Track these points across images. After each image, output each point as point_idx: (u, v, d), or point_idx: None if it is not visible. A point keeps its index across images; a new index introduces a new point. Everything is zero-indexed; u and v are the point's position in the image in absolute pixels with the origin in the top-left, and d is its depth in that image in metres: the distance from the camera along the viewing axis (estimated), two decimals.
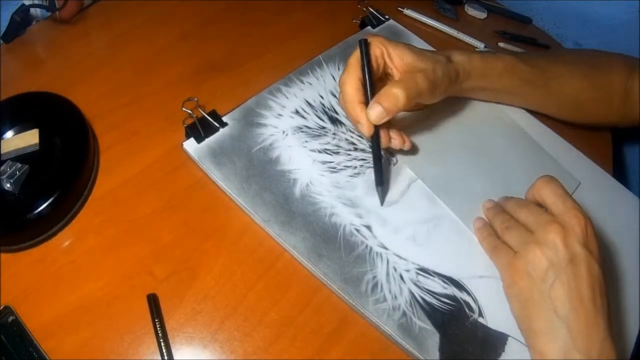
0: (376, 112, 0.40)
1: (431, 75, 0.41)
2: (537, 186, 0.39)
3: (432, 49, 0.59)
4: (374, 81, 0.42)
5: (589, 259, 0.35)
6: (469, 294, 0.40)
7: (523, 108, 0.55)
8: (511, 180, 0.48)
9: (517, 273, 0.37)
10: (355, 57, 0.42)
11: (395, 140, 0.44)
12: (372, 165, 0.46)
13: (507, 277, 0.38)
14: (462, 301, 0.40)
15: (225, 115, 0.47)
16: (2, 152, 0.40)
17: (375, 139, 0.42)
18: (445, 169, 0.48)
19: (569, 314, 0.34)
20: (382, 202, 0.44)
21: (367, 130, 0.41)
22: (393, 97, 0.39)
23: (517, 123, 0.54)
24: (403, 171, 0.47)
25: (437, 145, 0.50)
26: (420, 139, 0.49)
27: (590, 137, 0.57)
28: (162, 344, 0.34)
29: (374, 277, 0.39)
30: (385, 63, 0.43)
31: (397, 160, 0.47)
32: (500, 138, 0.52)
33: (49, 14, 0.52)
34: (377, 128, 0.41)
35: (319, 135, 0.48)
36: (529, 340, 0.36)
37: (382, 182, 0.43)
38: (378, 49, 0.43)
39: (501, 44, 0.66)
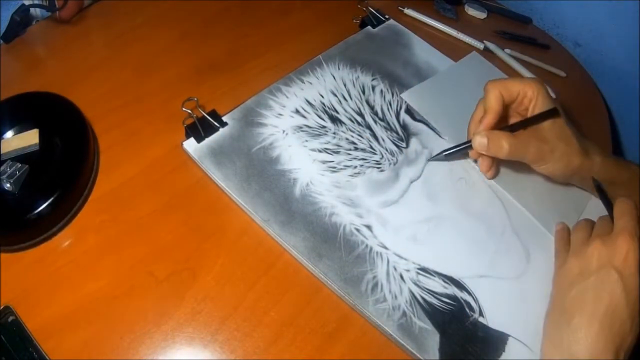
0: (479, 143, 0.44)
1: (545, 150, 0.44)
2: (618, 202, 0.41)
3: (436, 50, 0.60)
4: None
5: (616, 283, 0.35)
6: (469, 293, 0.40)
7: None
8: None
9: (556, 273, 0.41)
10: (515, 83, 0.45)
11: (482, 165, 0.48)
12: (372, 165, 0.46)
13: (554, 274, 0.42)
14: (462, 301, 0.40)
15: (225, 115, 0.47)
16: (2, 152, 0.40)
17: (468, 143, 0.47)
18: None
19: (576, 327, 0.35)
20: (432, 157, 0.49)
21: (472, 130, 0.47)
22: (498, 145, 0.43)
23: None
24: (403, 171, 0.47)
25: None
26: None
27: (590, 138, 0.57)
28: None
29: (374, 277, 0.39)
30: (527, 108, 0.46)
31: (397, 160, 0.47)
32: None
33: (49, 14, 0.52)
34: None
35: (319, 135, 0.48)
36: (561, 324, 0.37)
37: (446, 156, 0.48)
38: (530, 95, 0.45)
39: (490, 45, 0.66)
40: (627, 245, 0.36)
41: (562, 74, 0.66)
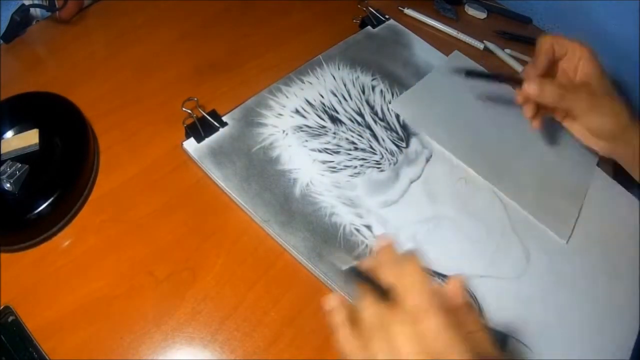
0: (532, 88, 0.44)
1: (595, 105, 0.44)
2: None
3: (436, 50, 0.60)
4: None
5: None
6: (469, 293, 0.40)
7: None
8: (543, 163, 0.53)
9: None
10: (565, 39, 0.47)
11: (528, 111, 0.48)
12: (372, 165, 0.46)
13: None
14: None
15: (225, 115, 0.47)
16: (2, 152, 0.40)
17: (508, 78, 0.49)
18: (492, 160, 0.51)
19: None
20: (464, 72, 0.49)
21: (531, 72, 0.47)
22: (551, 90, 0.44)
23: None
24: (403, 171, 0.47)
25: (483, 139, 0.53)
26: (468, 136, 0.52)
27: None
28: None
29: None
30: (575, 67, 0.47)
31: (397, 160, 0.47)
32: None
33: (49, 14, 0.52)
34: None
35: (319, 135, 0.48)
36: None
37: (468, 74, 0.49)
38: (579, 56, 0.46)
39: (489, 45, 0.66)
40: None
41: None
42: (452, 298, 0.27)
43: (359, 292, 0.29)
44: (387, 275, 0.28)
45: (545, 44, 0.47)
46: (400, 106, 0.53)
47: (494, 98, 0.56)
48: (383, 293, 0.27)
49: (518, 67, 0.64)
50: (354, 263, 0.29)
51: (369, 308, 0.28)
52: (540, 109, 0.48)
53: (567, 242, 0.46)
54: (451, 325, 0.25)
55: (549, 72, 0.48)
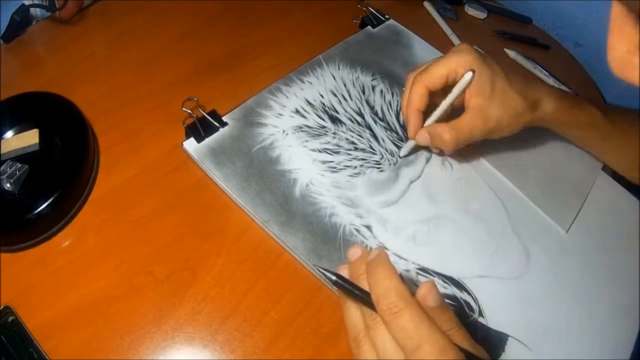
0: (422, 139, 0.44)
1: (491, 126, 0.42)
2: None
3: (436, 50, 0.60)
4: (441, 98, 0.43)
5: None
6: (469, 293, 0.40)
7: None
8: (550, 158, 0.53)
9: None
10: (440, 68, 0.41)
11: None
12: (372, 165, 0.46)
13: None
14: (462, 301, 0.40)
15: (225, 115, 0.47)
16: (2, 152, 0.40)
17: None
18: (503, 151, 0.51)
19: None
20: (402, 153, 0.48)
21: (410, 135, 0.45)
22: (441, 140, 0.43)
23: None
24: (403, 171, 0.47)
25: None
26: None
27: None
28: None
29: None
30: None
31: (397, 160, 0.47)
32: None
33: (49, 14, 0.52)
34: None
35: (319, 135, 0.48)
36: None
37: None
38: (462, 68, 0.41)
39: (511, 53, 0.66)
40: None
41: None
42: (424, 302, 0.28)
43: (346, 300, 0.31)
44: (362, 284, 0.29)
45: (415, 96, 0.42)
46: None
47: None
48: (367, 301, 0.28)
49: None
50: (336, 272, 0.30)
51: (354, 315, 0.30)
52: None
53: (566, 232, 0.46)
54: (425, 318, 0.26)
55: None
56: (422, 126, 0.45)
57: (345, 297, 0.31)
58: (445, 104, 0.43)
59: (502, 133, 0.44)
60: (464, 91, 0.42)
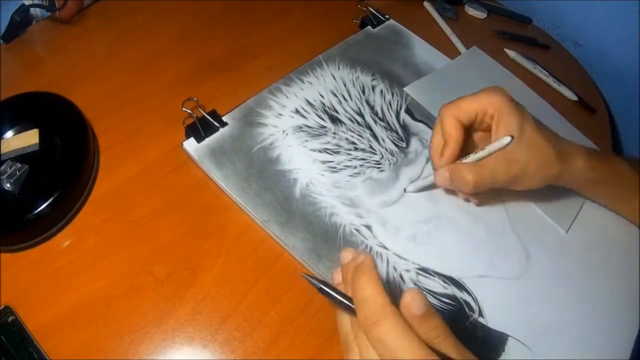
0: (441, 179, 0.42)
1: (516, 172, 0.40)
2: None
3: (435, 50, 0.60)
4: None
5: None
6: (469, 293, 0.40)
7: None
8: None
9: None
10: (469, 103, 0.40)
11: (461, 195, 0.45)
12: (372, 165, 0.46)
13: None
14: (462, 301, 0.40)
15: (225, 115, 0.47)
16: (2, 152, 0.40)
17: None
18: None
19: None
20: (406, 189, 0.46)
21: (437, 164, 0.43)
22: (461, 179, 0.40)
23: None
24: (403, 171, 0.47)
25: None
26: None
27: (590, 138, 0.57)
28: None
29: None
30: (489, 124, 0.41)
31: (397, 160, 0.47)
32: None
33: (49, 14, 0.52)
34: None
35: (319, 135, 0.48)
36: None
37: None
38: (492, 107, 0.40)
39: (511, 54, 0.66)
40: None
41: (574, 97, 0.63)
42: (408, 310, 0.28)
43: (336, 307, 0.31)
44: (347, 292, 0.29)
45: (447, 124, 0.40)
46: (413, 90, 0.54)
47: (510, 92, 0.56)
48: (352, 309, 0.29)
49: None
50: (322, 280, 0.30)
51: (345, 320, 0.30)
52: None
53: (566, 232, 0.46)
54: (404, 329, 0.26)
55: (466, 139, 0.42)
56: (453, 161, 0.42)
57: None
58: (474, 157, 0.41)
59: (526, 182, 0.41)
60: (487, 127, 0.42)
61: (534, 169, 0.40)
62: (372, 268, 0.29)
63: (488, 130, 0.42)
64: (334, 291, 0.29)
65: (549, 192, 0.49)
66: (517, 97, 0.46)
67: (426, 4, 0.68)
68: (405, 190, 0.45)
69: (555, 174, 0.41)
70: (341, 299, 0.29)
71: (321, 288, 0.29)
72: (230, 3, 0.59)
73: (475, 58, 0.62)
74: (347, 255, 0.31)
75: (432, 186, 0.45)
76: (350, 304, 0.29)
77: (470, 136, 0.44)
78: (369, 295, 0.27)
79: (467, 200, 0.45)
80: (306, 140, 0.47)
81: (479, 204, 0.45)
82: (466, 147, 0.43)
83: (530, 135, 0.39)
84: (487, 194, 0.44)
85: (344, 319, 0.30)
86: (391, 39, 0.60)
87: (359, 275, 0.28)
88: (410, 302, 0.28)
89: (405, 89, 0.54)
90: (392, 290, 0.39)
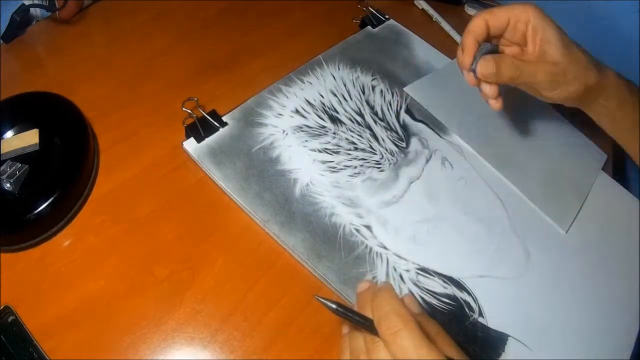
0: (484, 66, 0.40)
1: (557, 72, 0.40)
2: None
3: (435, 50, 0.60)
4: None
5: None
6: (469, 293, 0.40)
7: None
8: (552, 156, 0.53)
9: None
10: (503, 11, 0.41)
11: (487, 89, 0.43)
12: (372, 165, 0.46)
13: None
14: (462, 301, 0.40)
15: (225, 115, 0.47)
16: (2, 152, 0.40)
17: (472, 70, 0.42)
18: (502, 150, 0.51)
19: None
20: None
21: (467, 62, 0.42)
22: (506, 67, 0.40)
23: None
24: (403, 171, 0.47)
25: (494, 130, 0.54)
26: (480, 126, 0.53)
27: (590, 138, 0.57)
28: None
29: (374, 278, 0.39)
30: (525, 35, 0.42)
31: (397, 160, 0.47)
32: (537, 118, 0.55)
33: (49, 14, 0.52)
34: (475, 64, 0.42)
35: (319, 135, 0.48)
36: None
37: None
38: (524, 20, 0.41)
39: None
40: None
41: None
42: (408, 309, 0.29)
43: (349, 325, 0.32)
44: (367, 312, 0.30)
45: (473, 24, 0.41)
46: (413, 90, 0.54)
47: (509, 92, 0.56)
48: (368, 326, 0.29)
49: None
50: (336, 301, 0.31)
51: (357, 337, 0.31)
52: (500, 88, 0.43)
53: (566, 232, 0.47)
54: (424, 337, 0.27)
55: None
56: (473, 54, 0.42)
57: (347, 325, 0.32)
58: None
59: (565, 87, 0.41)
60: (521, 38, 0.42)
61: (574, 74, 0.41)
62: (392, 288, 0.30)
63: (519, 43, 0.43)
64: (348, 311, 0.30)
65: (549, 192, 0.49)
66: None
67: (422, 3, 0.67)
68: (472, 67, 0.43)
69: (593, 83, 0.41)
70: (357, 317, 0.30)
71: (337, 309, 0.30)
72: (230, 3, 0.59)
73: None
74: (364, 285, 0.33)
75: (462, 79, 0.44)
76: (364, 321, 0.30)
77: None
78: (390, 309, 0.28)
79: (490, 98, 0.44)
80: (306, 140, 0.47)
81: (498, 108, 0.44)
82: None
83: (570, 43, 0.41)
84: (512, 100, 0.44)
85: (357, 336, 0.31)
86: (391, 39, 0.60)
87: (381, 294, 0.30)
88: (408, 304, 0.30)
89: (405, 89, 0.54)
90: None
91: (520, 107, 0.54)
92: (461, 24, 0.67)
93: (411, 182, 0.46)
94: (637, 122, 0.45)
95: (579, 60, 0.41)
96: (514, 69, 0.40)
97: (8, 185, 0.38)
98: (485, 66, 0.41)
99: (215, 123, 0.46)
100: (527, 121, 0.55)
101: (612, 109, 0.44)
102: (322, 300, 0.30)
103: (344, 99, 0.51)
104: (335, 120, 0.49)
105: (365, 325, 0.30)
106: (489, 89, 0.43)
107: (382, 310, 0.29)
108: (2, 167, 0.38)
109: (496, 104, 0.44)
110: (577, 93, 0.42)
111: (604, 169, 0.53)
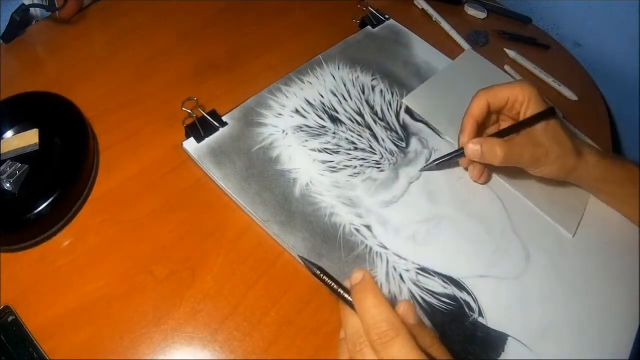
0: (472, 151, 0.44)
1: (540, 155, 0.43)
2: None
3: (436, 50, 0.60)
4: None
5: None
6: (469, 293, 0.40)
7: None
8: None
9: None
10: (504, 89, 0.45)
11: (473, 172, 0.47)
12: (372, 165, 0.46)
13: None
14: (462, 301, 0.40)
15: (225, 115, 0.47)
16: (2, 152, 0.40)
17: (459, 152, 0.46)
18: None
19: None
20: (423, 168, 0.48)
21: (462, 143, 0.45)
22: (493, 153, 0.43)
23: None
24: (403, 171, 0.47)
25: None
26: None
27: (590, 138, 0.57)
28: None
29: (374, 277, 0.39)
30: (519, 112, 0.45)
31: (397, 160, 0.47)
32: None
33: (49, 14, 0.52)
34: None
35: (319, 135, 0.48)
36: None
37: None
38: (520, 102, 0.44)
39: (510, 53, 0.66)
40: None
41: (574, 97, 0.64)
42: (404, 320, 0.28)
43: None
44: (359, 314, 0.29)
45: (475, 103, 0.45)
46: (411, 101, 0.53)
47: None
48: (349, 302, 0.29)
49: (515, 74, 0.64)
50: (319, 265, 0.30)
51: (350, 319, 0.29)
52: (487, 167, 0.47)
53: (573, 236, 0.47)
54: (415, 347, 0.26)
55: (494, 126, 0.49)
56: (473, 137, 0.45)
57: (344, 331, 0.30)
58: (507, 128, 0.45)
59: (546, 167, 0.44)
60: (516, 115, 0.46)
61: (555, 156, 0.44)
62: (375, 286, 0.28)
63: (514, 119, 0.46)
64: (331, 279, 0.29)
65: (554, 199, 0.49)
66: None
67: (422, 3, 0.67)
68: (420, 171, 0.47)
69: (571, 166, 0.45)
70: (338, 289, 0.29)
71: (318, 274, 0.29)
72: (230, 3, 0.59)
73: (470, 61, 0.61)
74: (357, 276, 0.30)
75: (447, 164, 0.47)
76: (347, 296, 0.29)
77: (498, 123, 0.49)
78: (380, 316, 0.27)
79: (479, 178, 0.48)
80: (306, 140, 0.47)
81: (483, 183, 0.48)
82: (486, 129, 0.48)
83: (555, 126, 0.44)
84: (490, 177, 0.49)
85: (352, 317, 0.30)
86: (391, 39, 0.60)
87: (364, 295, 0.28)
88: (406, 313, 0.28)
89: (404, 100, 0.53)
90: (392, 290, 0.39)
91: None
92: (461, 24, 0.67)
93: (411, 182, 0.46)
94: (627, 195, 0.48)
95: (562, 145, 0.44)
96: (498, 154, 0.43)
97: (8, 185, 0.38)
98: (472, 149, 0.44)
99: (215, 123, 0.46)
100: None
101: (596, 183, 0.48)
102: (305, 260, 0.29)
103: (344, 99, 0.51)
104: (335, 120, 0.49)
105: (344, 298, 0.29)
106: (472, 173, 0.48)
107: (369, 315, 0.27)
108: (2, 167, 0.38)
109: (481, 180, 0.48)
110: (558, 173, 0.45)
111: None
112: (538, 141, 0.44)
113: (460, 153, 0.46)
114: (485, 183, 0.48)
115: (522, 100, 0.44)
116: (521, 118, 0.45)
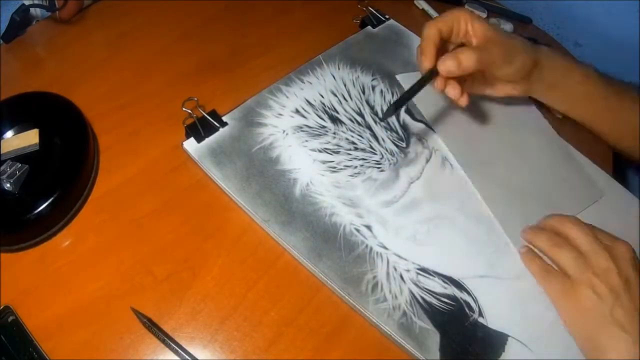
0: (449, 65, 0.42)
1: (509, 47, 0.46)
2: (564, 223, 0.43)
3: None
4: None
5: (638, 280, 0.39)
6: (469, 293, 0.40)
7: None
8: (537, 176, 0.50)
9: (578, 300, 0.39)
10: (448, 15, 0.46)
11: (452, 90, 0.45)
12: (372, 165, 0.46)
13: (566, 303, 0.40)
14: (462, 301, 0.40)
15: (225, 115, 0.47)
16: (2, 152, 0.40)
17: (428, 76, 0.44)
18: (478, 153, 0.51)
19: (633, 328, 0.36)
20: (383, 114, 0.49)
21: (427, 65, 0.44)
22: (468, 57, 0.42)
23: (549, 127, 0.55)
24: (403, 171, 0.47)
25: (476, 134, 0.53)
26: (462, 126, 0.53)
27: (590, 138, 0.57)
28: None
29: (374, 277, 0.39)
30: (467, 32, 0.46)
31: (397, 160, 0.47)
32: (533, 137, 0.54)
33: (49, 14, 0.52)
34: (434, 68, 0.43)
35: (319, 135, 0.48)
36: (598, 356, 0.37)
37: (397, 107, 0.43)
38: (464, 20, 0.45)
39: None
40: (628, 247, 0.40)
41: None
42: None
43: None
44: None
45: (429, 32, 0.45)
46: (405, 80, 0.54)
47: (508, 104, 0.55)
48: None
49: None
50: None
51: (579, 228, 0.42)
52: (462, 84, 0.46)
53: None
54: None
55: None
56: (437, 58, 0.44)
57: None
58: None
59: (518, 56, 0.46)
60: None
61: (522, 46, 0.47)
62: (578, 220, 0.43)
63: (464, 43, 0.46)
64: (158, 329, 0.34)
65: (554, 196, 0.49)
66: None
67: (422, 2, 0.67)
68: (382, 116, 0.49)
69: (532, 57, 0.47)
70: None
71: (147, 324, 0.33)
72: (230, 3, 0.59)
73: None
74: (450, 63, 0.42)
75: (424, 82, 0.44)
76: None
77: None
78: (592, 241, 0.41)
79: (460, 96, 0.45)
80: (306, 140, 0.47)
81: (465, 104, 0.46)
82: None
83: (502, 30, 0.47)
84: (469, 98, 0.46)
85: (579, 229, 0.42)
86: (391, 39, 0.60)
87: (571, 229, 0.42)
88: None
89: (397, 76, 0.54)
90: (392, 290, 0.39)
91: (514, 128, 0.54)
92: None
93: (411, 182, 0.46)
94: (588, 93, 0.50)
95: (519, 39, 0.47)
96: (471, 55, 0.43)
97: (8, 185, 0.38)
98: (444, 62, 0.43)
99: (215, 123, 0.46)
100: (529, 149, 0.53)
101: (556, 80, 0.50)
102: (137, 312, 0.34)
103: (344, 98, 0.51)
104: (335, 120, 0.49)
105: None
106: (453, 91, 0.45)
107: (591, 248, 0.40)
108: (2, 167, 0.38)
109: (463, 101, 0.46)
110: (528, 65, 0.47)
111: (604, 169, 0.53)
112: (500, 40, 0.45)
113: (431, 76, 0.44)
114: (467, 104, 0.46)
115: (465, 19, 0.45)
116: (471, 35, 0.45)
